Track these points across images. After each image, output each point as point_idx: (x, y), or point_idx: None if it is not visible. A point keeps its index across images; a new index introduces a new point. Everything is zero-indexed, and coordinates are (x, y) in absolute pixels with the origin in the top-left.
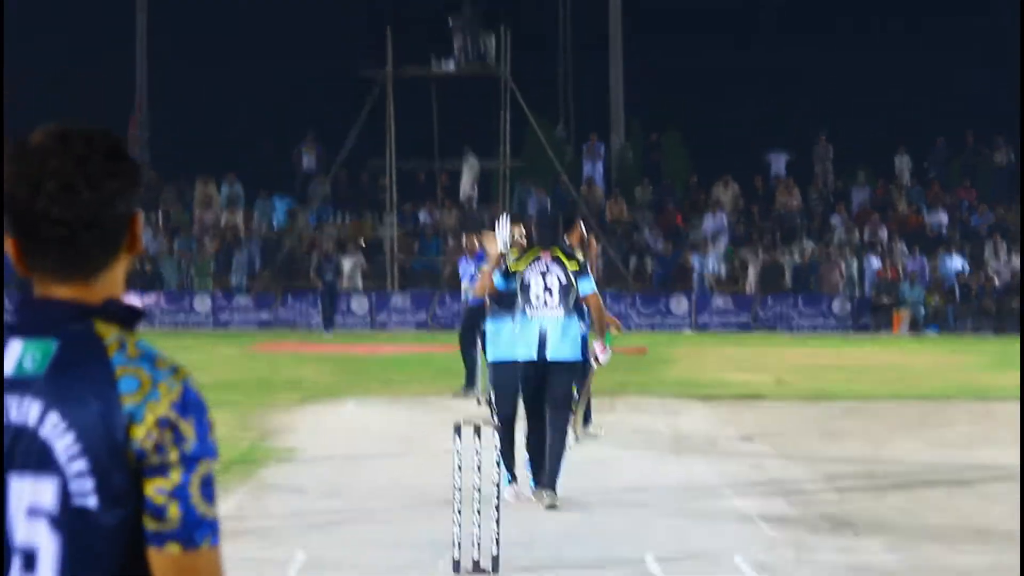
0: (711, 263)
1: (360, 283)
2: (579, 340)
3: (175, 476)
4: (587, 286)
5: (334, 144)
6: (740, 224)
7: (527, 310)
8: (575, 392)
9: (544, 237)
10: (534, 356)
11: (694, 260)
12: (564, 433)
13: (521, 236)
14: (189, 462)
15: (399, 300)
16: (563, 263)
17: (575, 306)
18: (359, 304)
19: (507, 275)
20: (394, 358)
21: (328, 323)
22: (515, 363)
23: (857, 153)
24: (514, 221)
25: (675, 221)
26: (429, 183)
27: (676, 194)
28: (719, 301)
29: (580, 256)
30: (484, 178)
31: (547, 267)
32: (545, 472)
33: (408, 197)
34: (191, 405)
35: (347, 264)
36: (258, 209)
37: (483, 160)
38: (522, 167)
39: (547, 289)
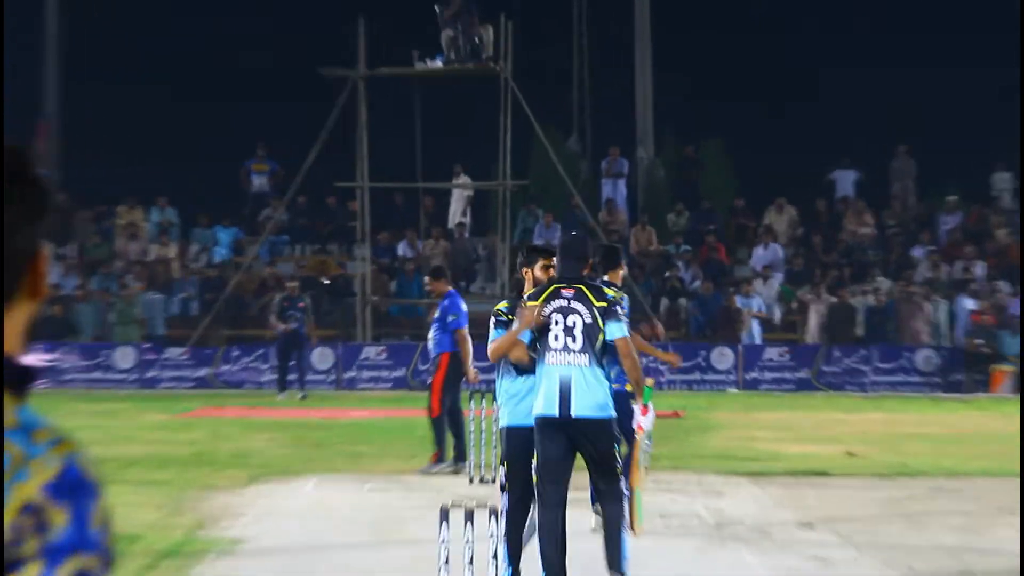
0: (762, 306)
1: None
2: (609, 394)
3: (31, 572)
4: (616, 329)
5: (292, 160)
6: (798, 257)
7: (545, 356)
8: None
9: (568, 268)
10: (555, 412)
11: (740, 302)
12: (621, 505)
13: (543, 273)
14: (53, 555)
15: (372, 353)
16: (588, 299)
17: (604, 352)
18: (322, 358)
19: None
20: (365, 425)
21: (283, 383)
22: (549, 418)
23: (946, 169)
24: (537, 254)
25: (717, 255)
26: (410, 208)
27: (718, 221)
28: (772, 353)
29: (612, 292)
30: (479, 202)
31: (568, 304)
32: (605, 555)
33: (384, 225)
34: (70, 487)
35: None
36: (196, 240)
37: (477, 180)
38: (526, 188)
39: (568, 331)
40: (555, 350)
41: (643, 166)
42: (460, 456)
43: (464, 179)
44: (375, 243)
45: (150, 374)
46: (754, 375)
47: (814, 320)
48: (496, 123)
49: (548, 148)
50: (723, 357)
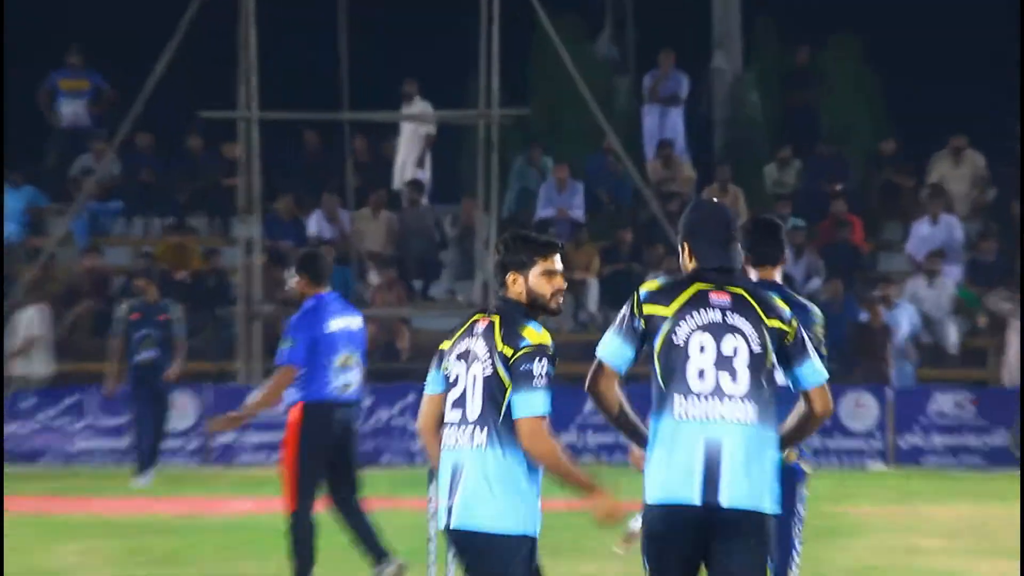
0: (920, 318)
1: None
2: (776, 471)
3: None
4: (813, 369)
5: (129, 75)
6: (987, 239)
7: (674, 403)
8: None
9: (715, 256)
10: (695, 498)
11: (889, 316)
12: None
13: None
14: None
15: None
16: (755, 313)
17: (772, 400)
18: (180, 411)
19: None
20: (246, 524)
21: (146, 455)
22: (681, 508)
23: None
24: (537, 250)
25: (849, 234)
26: (330, 156)
27: (852, 177)
28: (944, 403)
29: (780, 304)
30: (445, 145)
31: (724, 319)
32: None
33: (285, 186)
34: None
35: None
36: None
37: (442, 107)
38: (526, 122)
39: (724, 363)
40: (697, 394)
41: (722, 85)
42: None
43: (421, 106)
44: (269, 215)
45: None
46: (914, 440)
47: (1016, 347)
48: (475, 15)
49: (562, 55)
50: (861, 411)
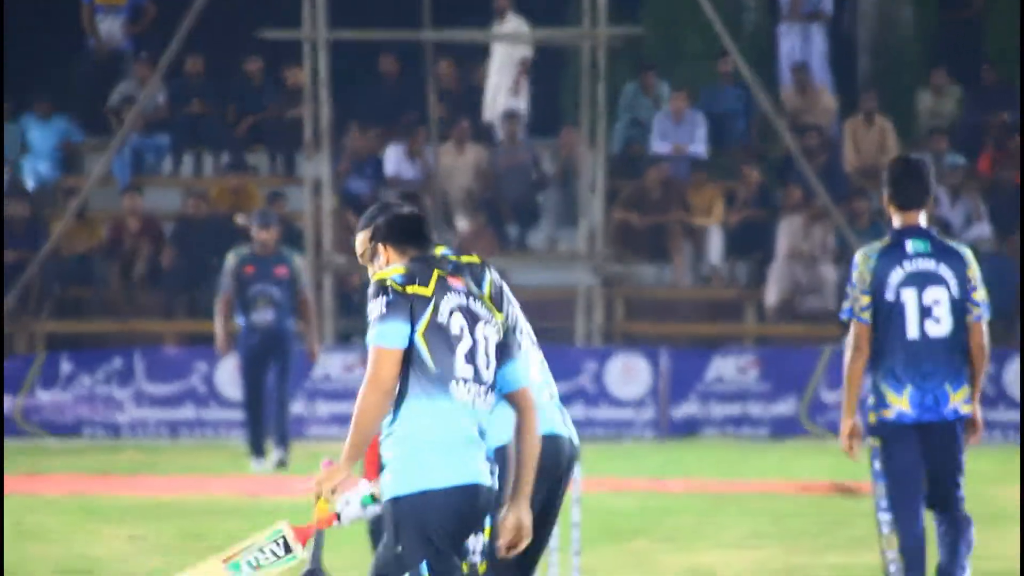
0: None
1: None
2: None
3: None
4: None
5: None
6: None
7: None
8: None
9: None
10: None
11: None
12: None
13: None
14: None
15: (336, 366)
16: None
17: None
18: (230, 375)
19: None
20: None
21: (259, 436)
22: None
23: None
24: None
25: (1016, 172)
26: (409, 83)
27: (1020, 103)
28: None
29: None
30: (543, 69)
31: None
32: None
33: (358, 116)
34: None
35: None
36: None
37: (541, 26)
38: (638, 43)
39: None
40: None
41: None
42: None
43: (515, 24)
44: (340, 152)
45: None
46: None
47: None
48: None
49: None
50: None
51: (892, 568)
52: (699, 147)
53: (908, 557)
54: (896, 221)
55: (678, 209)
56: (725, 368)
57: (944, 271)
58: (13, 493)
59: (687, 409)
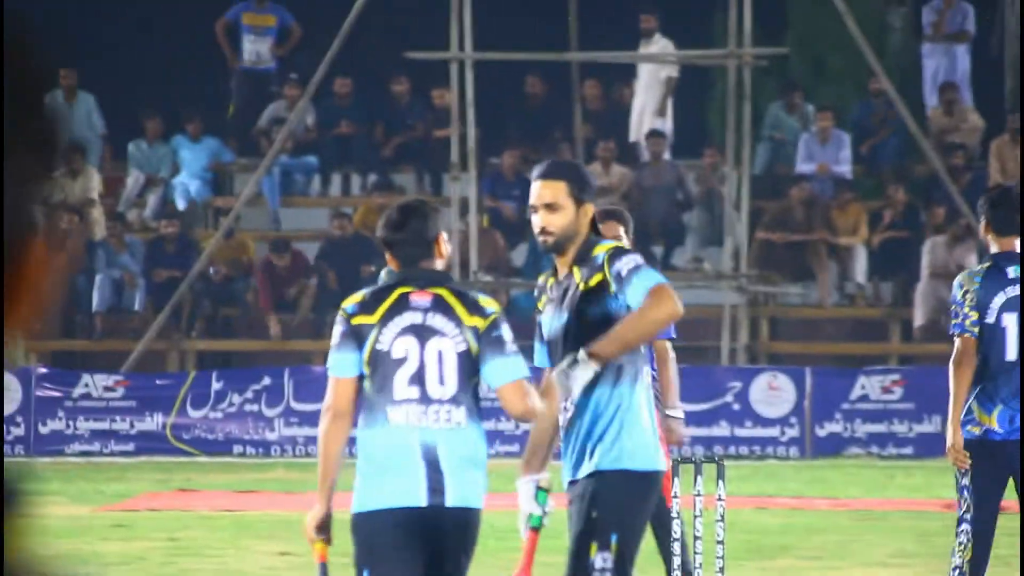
0: None
1: None
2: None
3: None
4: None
5: (322, 10)
6: None
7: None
8: None
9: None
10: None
11: None
12: None
13: None
14: None
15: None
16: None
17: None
18: None
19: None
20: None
21: None
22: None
23: None
24: None
25: None
26: (554, 103)
27: None
28: None
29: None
30: (687, 90)
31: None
32: None
33: (502, 137)
34: None
35: None
36: (137, 165)
37: (686, 47)
38: (783, 63)
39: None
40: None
41: (1013, 16)
42: None
43: (661, 44)
44: (487, 172)
45: (45, 427)
46: None
47: None
48: None
49: None
50: None
51: (956, 574)
52: (844, 167)
53: (974, 568)
54: (994, 247)
55: (822, 229)
56: (870, 387)
57: None
58: (167, 509)
59: (831, 428)
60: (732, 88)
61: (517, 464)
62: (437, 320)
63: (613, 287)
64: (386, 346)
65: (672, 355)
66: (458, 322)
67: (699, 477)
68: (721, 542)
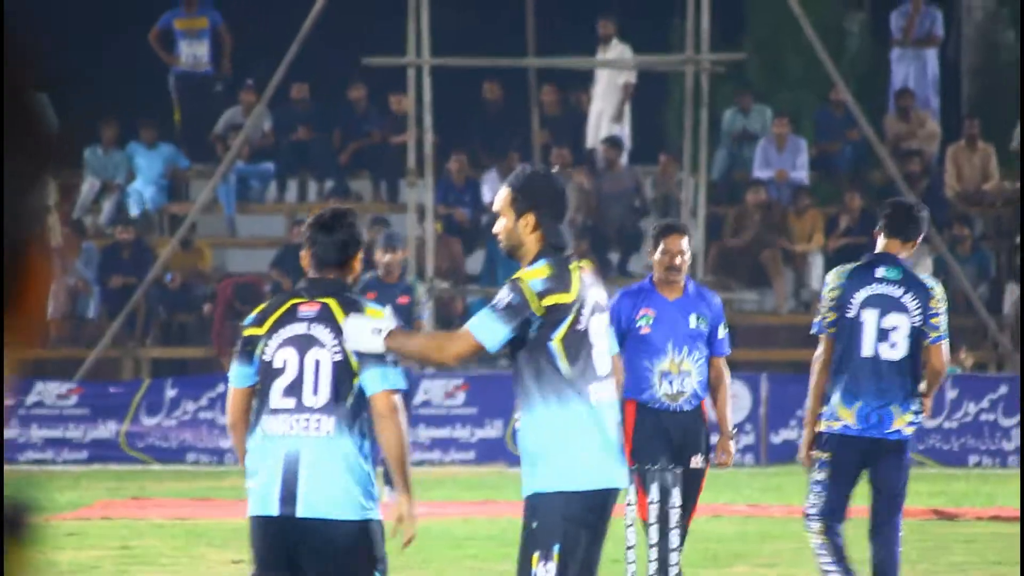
0: None
1: None
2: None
3: None
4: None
5: (269, 12)
6: None
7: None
8: None
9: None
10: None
11: None
12: None
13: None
14: None
15: (437, 392)
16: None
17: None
18: None
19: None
20: (436, 530)
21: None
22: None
23: None
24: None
25: None
26: (512, 109)
27: None
28: None
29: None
30: (645, 96)
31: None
32: None
33: (460, 143)
34: None
35: None
36: (94, 171)
37: (643, 51)
38: (740, 69)
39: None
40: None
41: (971, 23)
42: None
43: (620, 49)
44: (443, 178)
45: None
46: None
47: None
48: None
49: None
50: None
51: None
52: (801, 173)
53: (834, 554)
54: (878, 247)
55: (779, 235)
56: None
57: (908, 300)
58: (120, 517)
59: (787, 435)
60: (689, 93)
61: (473, 472)
62: (318, 330)
63: None
64: (269, 356)
65: (728, 376)
66: (338, 332)
67: (653, 485)
68: (676, 549)
